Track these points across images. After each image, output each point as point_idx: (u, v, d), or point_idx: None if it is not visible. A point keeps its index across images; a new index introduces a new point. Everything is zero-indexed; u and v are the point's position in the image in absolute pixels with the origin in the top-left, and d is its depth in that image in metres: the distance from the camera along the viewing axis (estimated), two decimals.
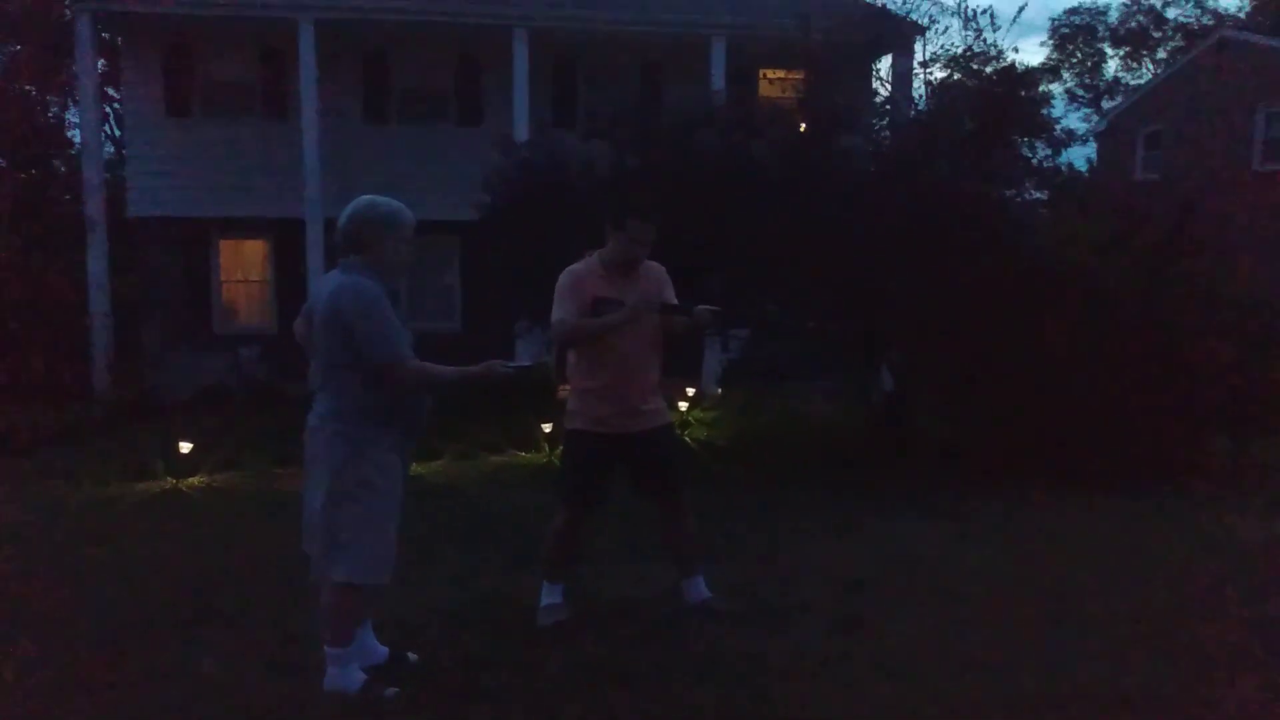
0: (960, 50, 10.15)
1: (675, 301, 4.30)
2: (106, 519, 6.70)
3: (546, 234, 8.16)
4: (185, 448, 8.20)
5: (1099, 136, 26.13)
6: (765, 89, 14.86)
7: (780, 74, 13.54)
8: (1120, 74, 36.12)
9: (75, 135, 18.17)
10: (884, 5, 13.18)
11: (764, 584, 4.91)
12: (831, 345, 9.08)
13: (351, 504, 3.49)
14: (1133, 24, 35.20)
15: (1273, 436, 7.95)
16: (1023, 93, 8.54)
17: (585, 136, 9.19)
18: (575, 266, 4.28)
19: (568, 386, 4.38)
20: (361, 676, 3.64)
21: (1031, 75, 9.83)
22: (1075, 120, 33.60)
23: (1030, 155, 8.45)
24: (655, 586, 4.79)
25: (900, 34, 12.89)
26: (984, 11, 17.29)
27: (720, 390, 12.87)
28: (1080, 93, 36.35)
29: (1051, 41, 36.51)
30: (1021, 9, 20.80)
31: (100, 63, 15.91)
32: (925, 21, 15.78)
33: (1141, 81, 31.46)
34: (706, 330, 5.71)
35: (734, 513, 6.48)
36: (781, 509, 6.68)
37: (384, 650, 3.88)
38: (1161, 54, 34.56)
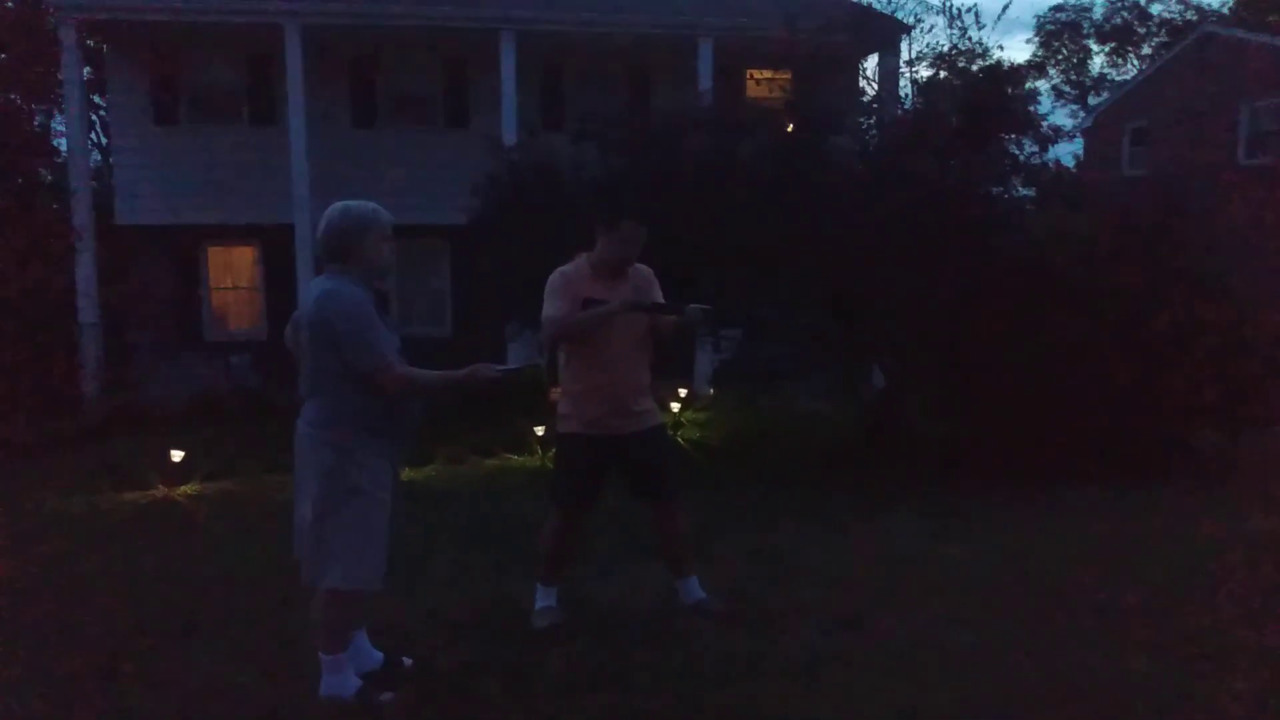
0: (946, 48, 10.19)
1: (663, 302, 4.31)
2: (98, 528, 6.66)
3: (536, 237, 8.14)
4: (177, 456, 8.18)
5: (1086, 133, 26.20)
6: (753, 89, 14.89)
7: (768, 74, 13.59)
8: (1106, 70, 36.28)
9: (62, 144, 18.05)
10: (869, 4, 13.23)
11: (758, 584, 4.92)
12: (823, 345, 9.10)
13: (341, 511, 3.48)
14: (1117, 20, 35.35)
15: (1264, 429, 8.00)
16: (1009, 89, 8.57)
17: (574, 139, 9.18)
18: (565, 267, 4.30)
19: (559, 389, 4.38)
20: (357, 682, 3.64)
21: (1017, 72, 9.85)
22: (1062, 117, 33.78)
23: (1017, 152, 8.47)
24: (650, 588, 4.79)
25: (886, 33, 12.93)
26: (969, 9, 17.35)
27: (712, 391, 12.87)
28: (1066, 89, 36.49)
29: (1037, 38, 36.70)
30: (1006, 6, 21.08)
31: (86, 70, 15.82)
32: (911, 20, 15.86)
33: (1127, 77, 31.55)
34: (698, 330, 5.72)
35: (727, 513, 6.49)
36: (775, 509, 6.68)
37: (379, 655, 3.88)
38: (1146, 50, 34.70)
